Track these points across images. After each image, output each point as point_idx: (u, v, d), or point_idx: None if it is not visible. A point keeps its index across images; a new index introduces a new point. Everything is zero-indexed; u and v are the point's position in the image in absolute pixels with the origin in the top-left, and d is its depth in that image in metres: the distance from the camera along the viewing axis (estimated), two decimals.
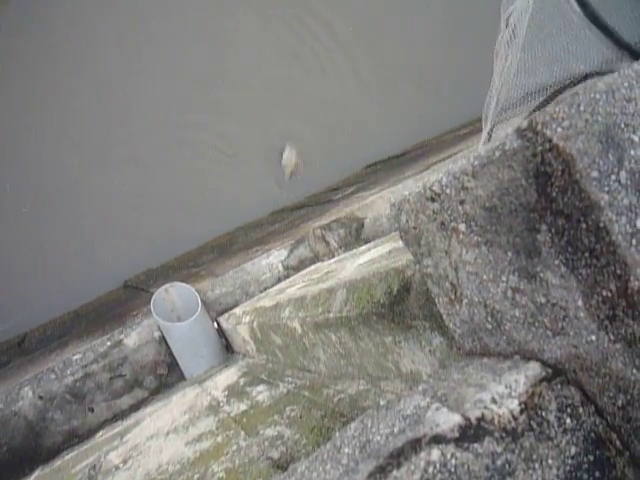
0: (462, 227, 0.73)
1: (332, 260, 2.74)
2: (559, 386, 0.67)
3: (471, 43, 6.99)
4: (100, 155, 5.66)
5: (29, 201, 5.42)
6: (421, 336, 1.22)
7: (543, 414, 0.65)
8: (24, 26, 5.42)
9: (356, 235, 3.16)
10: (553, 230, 0.61)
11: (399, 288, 1.26)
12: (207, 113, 6.06)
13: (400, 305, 1.25)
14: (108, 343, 2.94)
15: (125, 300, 4.53)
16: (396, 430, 0.67)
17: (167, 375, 2.96)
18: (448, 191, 0.73)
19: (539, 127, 0.57)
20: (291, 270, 3.09)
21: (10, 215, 5.37)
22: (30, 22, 5.42)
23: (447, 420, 0.64)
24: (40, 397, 2.81)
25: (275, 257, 3.17)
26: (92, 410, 2.88)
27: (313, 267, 2.90)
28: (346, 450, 0.70)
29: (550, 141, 0.57)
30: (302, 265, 3.09)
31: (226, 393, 2.31)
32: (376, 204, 3.35)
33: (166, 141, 5.90)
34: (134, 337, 2.96)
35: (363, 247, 2.45)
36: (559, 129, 0.56)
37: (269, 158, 6.19)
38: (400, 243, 1.79)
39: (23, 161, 5.45)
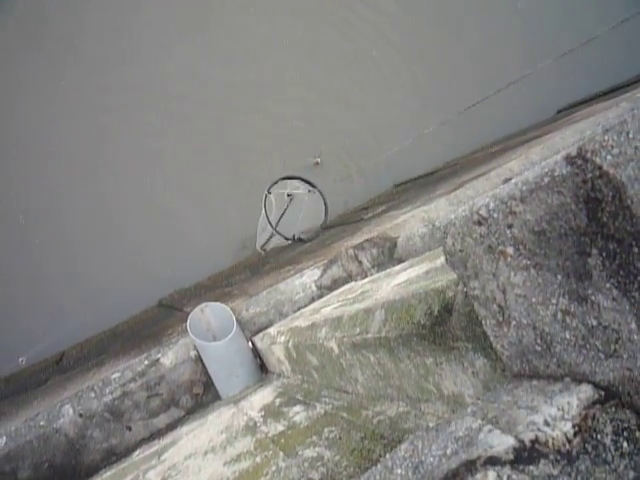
0: (510, 250, 0.74)
1: (366, 280, 2.76)
2: (613, 409, 0.67)
3: (500, 67, 7.00)
4: (138, 177, 5.83)
5: (61, 223, 5.61)
6: (463, 358, 1.22)
7: (598, 437, 0.65)
8: None
9: (389, 255, 3.16)
10: (604, 254, 0.62)
11: (440, 309, 1.27)
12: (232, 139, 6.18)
13: (441, 326, 1.25)
14: (146, 362, 3.00)
15: (160, 319, 4.61)
16: (449, 452, 0.68)
17: (203, 394, 3.00)
18: (495, 215, 0.74)
19: (589, 155, 0.59)
20: (324, 290, 3.11)
21: (47, 235, 5.56)
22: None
23: (501, 442, 0.65)
24: (80, 415, 2.88)
25: (308, 277, 3.20)
26: (130, 429, 2.93)
27: (347, 287, 2.91)
28: (398, 471, 0.71)
29: (600, 168, 0.58)
30: (335, 285, 3.11)
31: (262, 413, 2.32)
32: (408, 223, 3.36)
33: (197, 166, 6.04)
34: (171, 356, 3.01)
35: (398, 267, 2.45)
36: (609, 157, 0.58)
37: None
38: (437, 263, 1.80)
39: (64, 185, 5.65)
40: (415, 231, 3.16)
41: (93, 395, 2.95)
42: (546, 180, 0.65)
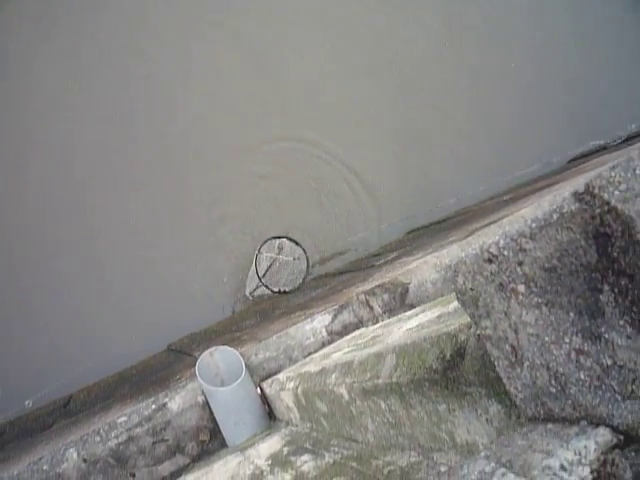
0: (521, 288, 0.74)
1: (377, 325, 2.72)
2: (633, 454, 0.65)
3: (516, 111, 7.14)
4: (145, 221, 5.91)
5: (73, 265, 5.65)
6: (477, 404, 1.18)
7: None
8: None
9: (400, 300, 3.14)
10: (616, 290, 0.62)
11: (452, 353, 1.25)
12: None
13: (454, 371, 1.23)
14: (153, 406, 2.95)
15: (168, 364, 4.56)
16: None
17: (209, 441, 2.92)
18: (506, 253, 0.75)
19: (596, 190, 0.60)
20: (335, 335, 3.07)
21: (54, 277, 5.60)
22: None
23: None
24: (84, 460, 2.82)
25: (319, 322, 3.17)
26: (134, 475, 2.86)
27: (357, 332, 2.88)
28: None
29: (608, 204, 0.59)
30: (346, 330, 3.07)
31: (269, 462, 2.26)
32: (420, 269, 3.35)
33: (201, 211, 6.11)
34: (178, 401, 2.96)
35: (409, 312, 2.43)
36: (616, 192, 0.59)
37: (307, 229, 6.32)
38: (450, 308, 1.77)
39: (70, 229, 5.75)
40: (427, 277, 3.15)
41: (98, 439, 2.89)
42: (555, 217, 0.65)
